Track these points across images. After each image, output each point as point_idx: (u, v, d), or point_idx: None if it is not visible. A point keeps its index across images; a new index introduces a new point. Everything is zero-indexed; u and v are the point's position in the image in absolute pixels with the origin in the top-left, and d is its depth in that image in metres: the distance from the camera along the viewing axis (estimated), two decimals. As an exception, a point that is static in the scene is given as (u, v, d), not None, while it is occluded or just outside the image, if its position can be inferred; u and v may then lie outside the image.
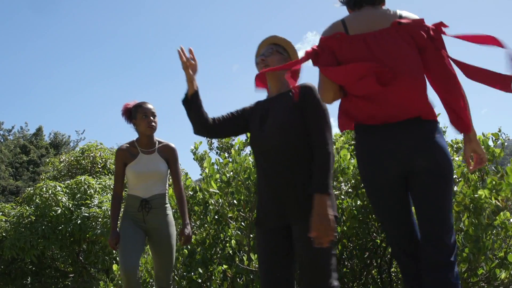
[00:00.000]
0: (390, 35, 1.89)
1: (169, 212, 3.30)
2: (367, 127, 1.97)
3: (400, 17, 1.96)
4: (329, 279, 2.04)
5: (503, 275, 3.07)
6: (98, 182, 7.58)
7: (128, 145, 3.33)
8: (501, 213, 3.06)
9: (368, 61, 1.86)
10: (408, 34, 1.88)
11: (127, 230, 3.19)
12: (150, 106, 3.28)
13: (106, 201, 6.79)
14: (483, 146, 3.39)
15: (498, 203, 3.14)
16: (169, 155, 3.30)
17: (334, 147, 3.89)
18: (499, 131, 3.59)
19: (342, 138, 4.36)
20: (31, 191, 7.12)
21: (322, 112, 2.09)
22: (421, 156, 1.86)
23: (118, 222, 3.26)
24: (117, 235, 3.17)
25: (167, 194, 3.36)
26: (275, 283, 2.13)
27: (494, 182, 3.13)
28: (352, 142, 4.40)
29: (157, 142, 3.33)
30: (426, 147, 1.87)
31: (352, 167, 3.54)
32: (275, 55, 2.27)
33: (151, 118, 3.23)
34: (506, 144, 3.61)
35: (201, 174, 4.15)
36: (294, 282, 2.21)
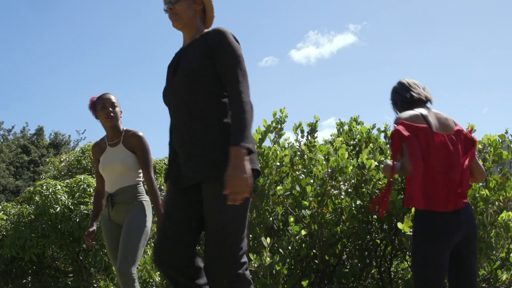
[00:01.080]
0: (457, 142, 2.38)
1: (141, 205, 3.09)
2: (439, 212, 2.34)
3: (454, 122, 2.48)
4: (235, 254, 1.81)
5: (504, 277, 3.05)
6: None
7: (99, 141, 3.25)
8: (503, 213, 3.05)
9: (447, 158, 2.34)
10: (464, 137, 2.42)
11: (108, 236, 3.12)
12: (109, 96, 3.11)
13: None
14: (490, 147, 3.39)
15: (500, 203, 3.13)
16: (134, 144, 3.09)
17: (331, 147, 3.87)
18: (506, 132, 3.57)
19: (340, 139, 4.34)
20: (31, 190, 7.12)
21: (236, 58, 1.88)
22: (473, 236, 2.40)
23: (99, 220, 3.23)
24: (90, 233, 3.12)
25: (139, 187, 3.16)
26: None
27: (496, 182, 3.11)
28: (351, 142, 4.38)
29: (123, 133, 3.14)
30: (475, 229, 2.42)
31: (351, 167, 3.52)
32: (182, 1, 2.03)
33: (110, 109, 3.07)
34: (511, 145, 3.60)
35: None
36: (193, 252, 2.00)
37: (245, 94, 1.83)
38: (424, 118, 2.36)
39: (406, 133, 2.30)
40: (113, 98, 3.12)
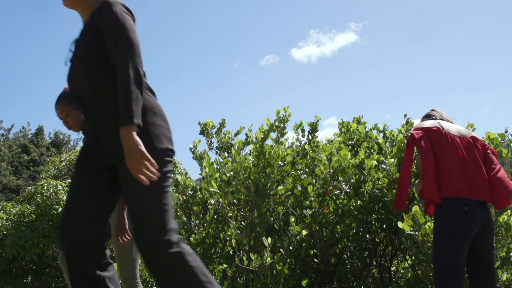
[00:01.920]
0: (471, 144, 2.64)
1: None
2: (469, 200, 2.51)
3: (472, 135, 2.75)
4: (161, 234, 1.73)
5: (504, 276, 3.06)
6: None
7: None
8: (504, 214, 3.06)
9: (463, 154, 2.57)
10: (478, 144, 2.67)
11: None
12: (56, 106, 2.87)
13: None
14: (491, 145, 3.41)
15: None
16: None
17: (333, 146, 3.87)
18: (506, 131, 3.59)
19: (339, 139, 4.34)
20: (32, 190, 7.12)
21: (120, 28, 1.73)
22: (490, 230, 2.54)
23: None
24: None
25: None
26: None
27: None
28: (350, 142, 4.39)
29: None
30: (491, 223, 2.57)
31: (352, 167, 3.53)
32: None
33: (64, 123, 2.90)
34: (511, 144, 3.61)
35: (200, 174, 4.15)
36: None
37: (129, 67, 1.69)
38: (438, 123, 2.66)
39: (417, 135, 2.57)
40: (61, 108, 2.86)
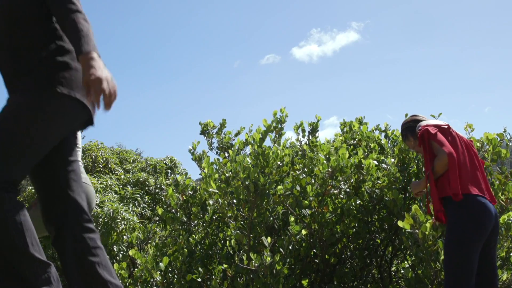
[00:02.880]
0: (472, 147, 2.68)
1: None
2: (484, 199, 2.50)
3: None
4: None
5: (504, 276, 3.06)
6: (99, 182, 7.60)
7: None
8: (505, 214, 3.06)
9: (471, 153, 2.61)
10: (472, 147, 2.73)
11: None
12: None
13: (107, 200, 6.81)
14: (489, 146, 3.40)
15: (502, 203, 3.13)
16: None
17: (333, 146, 3.86)
18: (504, 131, 3.58)
19: (340, 138, 4.34)
20: (33, 190, 7.12)
21: None
22: (497, 229, 2.55)
23: None
24: None
25: None
26: None
27: (500, 182, 3.12)
28: (352, 142, 4.39)
29: None
30: (498, 223, 2.57)
31: (350, 166, 3.53)
32: None
33: None
34: (510, 144, 3.61)
35: (200, 174, 4.15)
36: None
37: (74, 5, 1.68)
38: (445, 124, 2.66)
39: (433, 130, 2.53)
40: None
